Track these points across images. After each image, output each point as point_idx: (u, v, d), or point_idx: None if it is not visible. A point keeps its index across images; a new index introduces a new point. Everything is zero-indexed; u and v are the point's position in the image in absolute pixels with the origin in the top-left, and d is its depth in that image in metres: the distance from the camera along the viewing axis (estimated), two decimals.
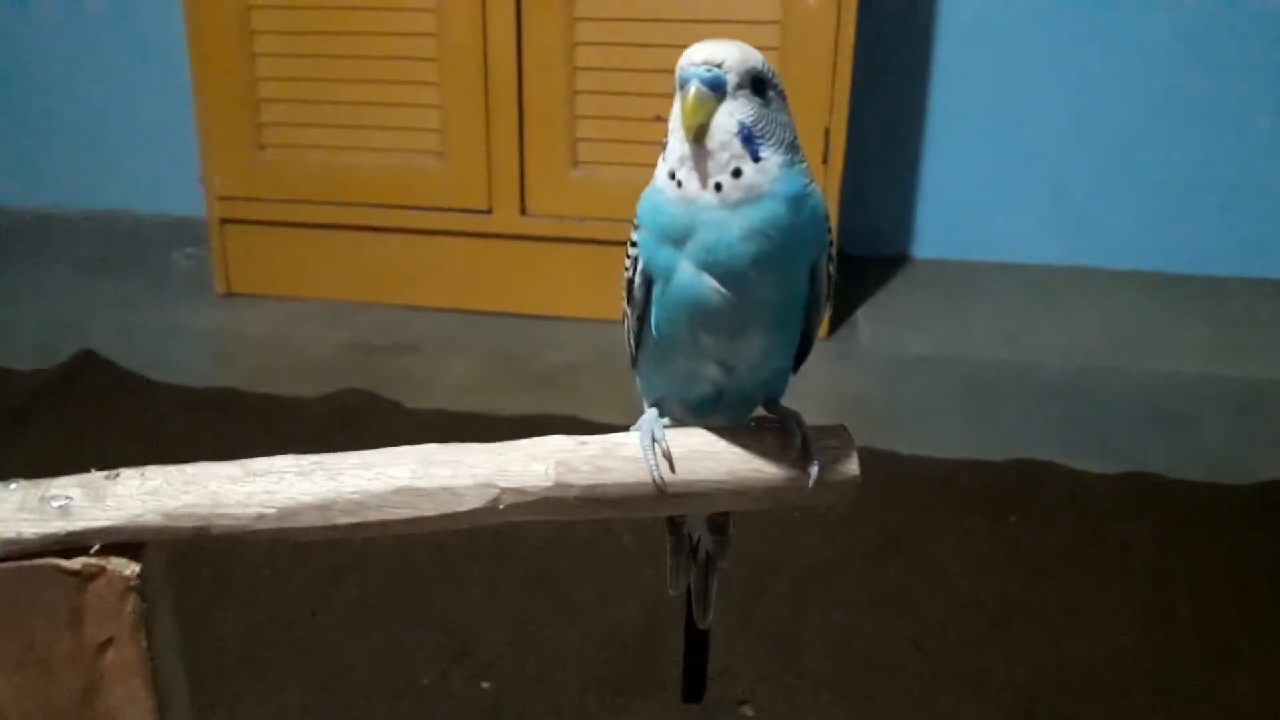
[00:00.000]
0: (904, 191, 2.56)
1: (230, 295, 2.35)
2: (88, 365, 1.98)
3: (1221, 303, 2.35)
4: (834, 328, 2.22)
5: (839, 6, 1.98)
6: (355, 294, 2.32)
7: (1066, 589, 1.41)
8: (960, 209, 2.56)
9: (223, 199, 2.30)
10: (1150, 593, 1.40)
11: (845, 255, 2.40)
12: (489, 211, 2.22)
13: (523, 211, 2.21)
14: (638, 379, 0.74)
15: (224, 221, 2.31)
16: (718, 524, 0.78)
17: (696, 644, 0.84)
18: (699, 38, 2.35)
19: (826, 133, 2.05)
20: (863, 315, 2.29)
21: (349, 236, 2.30)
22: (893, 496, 1.59)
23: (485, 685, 1.26)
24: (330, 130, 2.24)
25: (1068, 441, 1.78)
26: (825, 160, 2.07)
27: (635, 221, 0.66)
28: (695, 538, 0.80)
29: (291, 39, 2.20)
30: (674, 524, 0.79)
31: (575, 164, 2.17)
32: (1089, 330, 2.23)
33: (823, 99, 2.03)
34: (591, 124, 2.14)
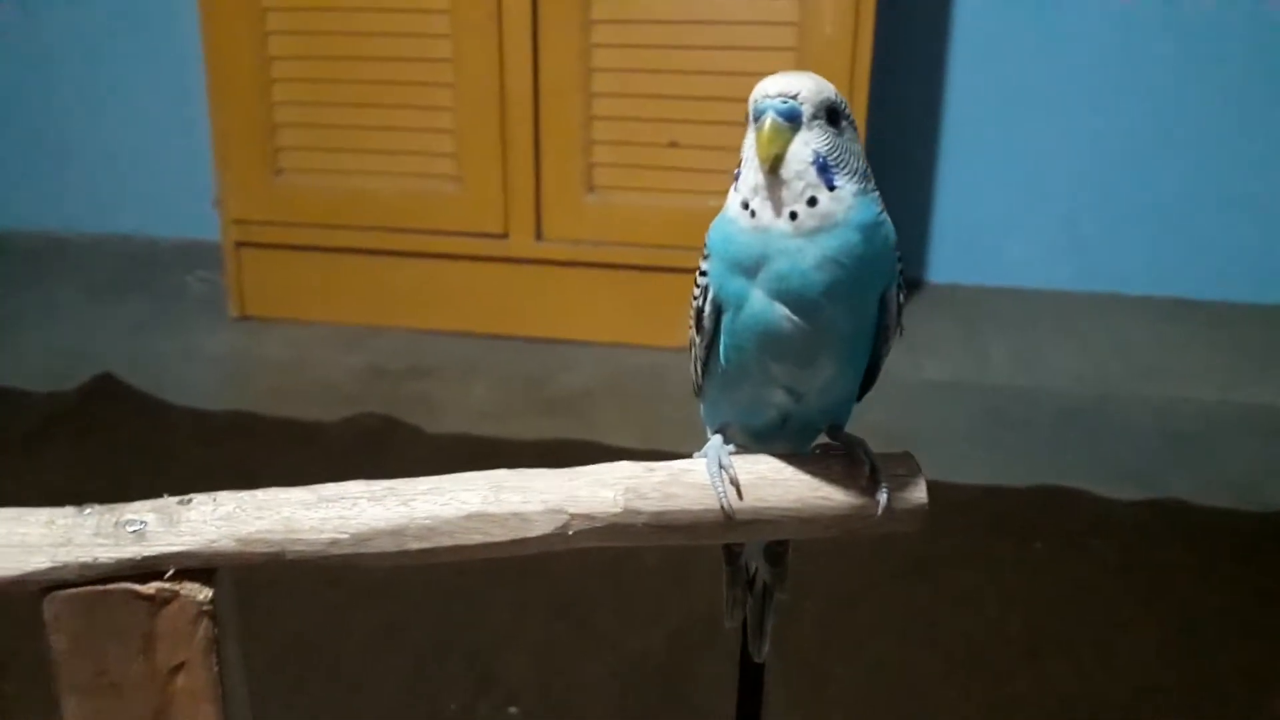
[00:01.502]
0: (918, 216, 2.58)
1: (245, 319, 2.35)
2: (105, 388, 1.97)
3: (1237, 328, 2.36)
4: None
5: (855, 33, 2.00)
6: (370, 318, 2.32)
7: (1095, 617, 1.41)
8: (974, 234, 2.57)
9: (238, 222, 2.30)
10: (1179, 620, 1.40)
11: None
12: (505, 236, 2.23)
13: (539, 236, 2.22)
14: (701, 405, 0.74)
15: (239, 245, 2.32)
16: (775, 554, 0.78)
17: (752, 677, 0.83)
18: (715, 63, 2.36)
19: None
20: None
21: (364, 260, 2.30)
22: None
23: (512, 711, 1.25)
24: (346, 154, 2.25)
25: (1087, 467, 1.78)
26: None
27: (705, 251, 0.66)
28: (752, 569, 0.80)
29: (307, 64, 2.21)
30: (731, 555, 0.79)
31: (591, 189, 2.18)
32: (1105, 356, 2.23)
33: None
34: (607, 149, 2.15)
